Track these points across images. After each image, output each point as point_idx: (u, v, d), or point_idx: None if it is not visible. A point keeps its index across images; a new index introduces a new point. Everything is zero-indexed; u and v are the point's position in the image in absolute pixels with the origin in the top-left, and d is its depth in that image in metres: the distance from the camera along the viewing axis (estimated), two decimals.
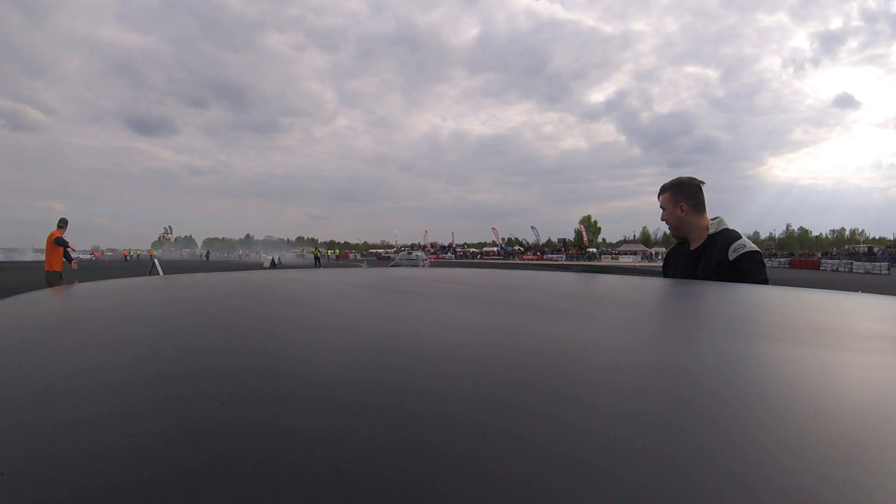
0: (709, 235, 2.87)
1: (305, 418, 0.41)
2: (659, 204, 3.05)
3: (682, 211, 2.96)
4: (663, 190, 3.05)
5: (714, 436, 0.39)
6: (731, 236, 2.75)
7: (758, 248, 2.69)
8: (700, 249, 2.86)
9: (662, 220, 3.04)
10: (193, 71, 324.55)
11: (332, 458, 0.34)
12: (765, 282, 2.51)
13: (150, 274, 12.20)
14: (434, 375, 0.55)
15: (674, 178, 3.11)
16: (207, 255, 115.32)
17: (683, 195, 2.98)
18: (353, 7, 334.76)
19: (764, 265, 2.68)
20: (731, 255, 2.65)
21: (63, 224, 11.32)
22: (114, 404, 0.45)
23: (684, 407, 0.46)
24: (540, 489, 0.30)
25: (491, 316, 0.95)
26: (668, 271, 3.10)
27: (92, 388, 0.50)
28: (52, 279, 10.81)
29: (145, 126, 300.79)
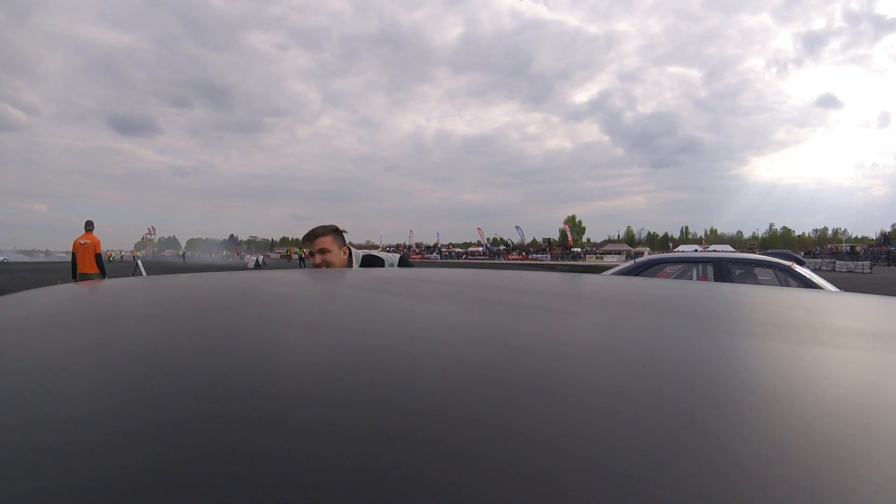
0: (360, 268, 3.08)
1: (297, 414, 0.41)
2: (316, 249, 3.07)
3: (344, 254, 3.15)
4: (318, 234, 3.12)
5: (696, 428, 0.40)
6: (372, 258, 3.19)
7: (396, 258, 3.19)
8: None
9: (320, 263, 3.05)
10: (176, 70, 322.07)
11: (326, 452, 0.34)
12: None
13: (133, 275, 12.09)
14: (421, 373, 0.56)
15: (329, 224, 3.23)
16: (183, 256, 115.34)
17: (342, 241, 3.18)
18: (336, 6, 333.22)
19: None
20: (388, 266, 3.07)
21: (87, 227, 11.33)
22: (105, 401, 0.45)
23: (667, 401, 0.47)
24: (529, 480, 0.31)
25: (477, 315, 0.96)
26: None
27: (81, 386, 0.50)
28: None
29: (128, 126, 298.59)
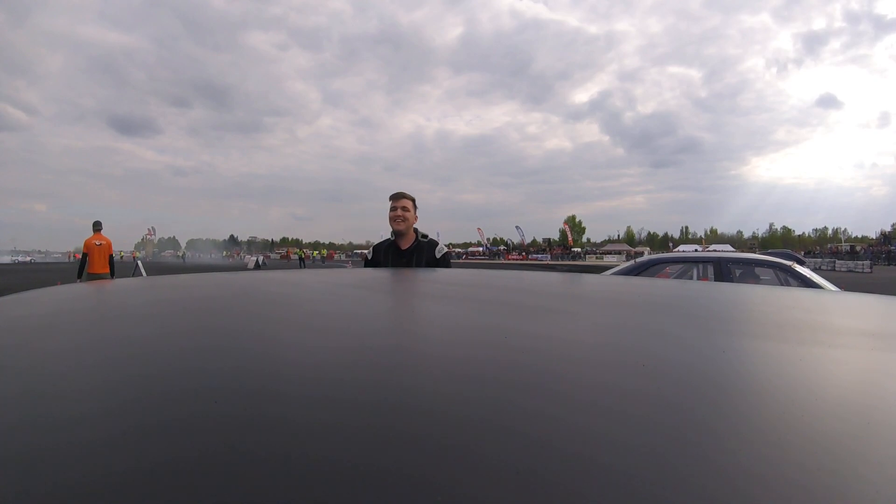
0: (419, 240, 3.94)
1: (297, 414, 0.41)
2: (400, 205, 3.93)
3: (415, 219, 4.03)
4: (407, 196, 4.01)
5: (696, 428, 0.40)
6: (431, 241, 3.96)
7: (447, 249, 4.04)
8: (411, 249, 3.90)
9: (401, 215, 3.89)
10: (176, 70, 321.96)
11: (326, 452, 0.34)
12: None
13: (134, 276, 12.24)
14: (421, 372, 0.56)
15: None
16: (183, 257, 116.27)
17: (415, 209, 4.05)
18: (336, 6, 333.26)
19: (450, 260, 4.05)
20: (438, 255, 3.88)
21: (98, 227, 11.51)
22: (105, 401, 0.45)
23: (667, 401, 0.47)
24: (529, 480, 0.31)
25: (476, 315, 0.96)
26: (376, 263, 4.00)
27: (81, 386, 0.50)
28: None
29: (128, 126, 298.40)
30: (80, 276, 11.03)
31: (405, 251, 3.89)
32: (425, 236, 3.98)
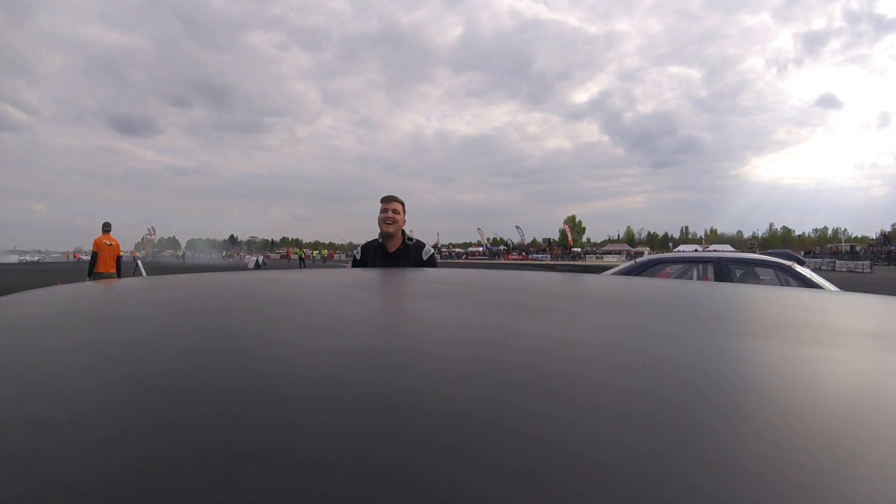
0: (406, 242, 4.05)
1: (297, 414, 0.41)
2: (391, 207, 4.03)
3: (403, 222, 4.12)
4: (397, 199, 4.13)
5: (696, 428, 0.40)
6: (418, 243, 4.06)
7: (433, 251, 4.12)
8: (398, 252, 4.01)
9: (391, 217, 3.99)
10: (176, 70, 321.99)
11: (326, 452, 0.34)
12: None
13: (134, 275, 12.34)
14: (421, 373, 0.56)
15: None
16: (183, 257, 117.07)
17: (404, 212, 4.15)
18: (336, 6, 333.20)
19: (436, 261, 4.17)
20: (425, 256, 3.99)
21: (108, 228, 11.72)
22: (105, 401, 0.45)
23: (667, 401, 0.47)
24: (529, 480, 0.31)
25: (476, 315, 0.96)
26: (363, 264, 4.10)
27: (81, 386, 0.50)
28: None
29: (128, 126, 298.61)
30: (90, 274, 11.16)
31: (392, 253, 4.01)
32: (411, 239, 4.10)
